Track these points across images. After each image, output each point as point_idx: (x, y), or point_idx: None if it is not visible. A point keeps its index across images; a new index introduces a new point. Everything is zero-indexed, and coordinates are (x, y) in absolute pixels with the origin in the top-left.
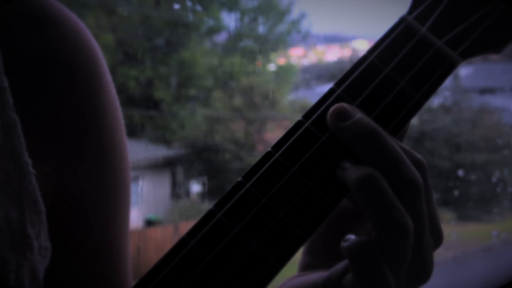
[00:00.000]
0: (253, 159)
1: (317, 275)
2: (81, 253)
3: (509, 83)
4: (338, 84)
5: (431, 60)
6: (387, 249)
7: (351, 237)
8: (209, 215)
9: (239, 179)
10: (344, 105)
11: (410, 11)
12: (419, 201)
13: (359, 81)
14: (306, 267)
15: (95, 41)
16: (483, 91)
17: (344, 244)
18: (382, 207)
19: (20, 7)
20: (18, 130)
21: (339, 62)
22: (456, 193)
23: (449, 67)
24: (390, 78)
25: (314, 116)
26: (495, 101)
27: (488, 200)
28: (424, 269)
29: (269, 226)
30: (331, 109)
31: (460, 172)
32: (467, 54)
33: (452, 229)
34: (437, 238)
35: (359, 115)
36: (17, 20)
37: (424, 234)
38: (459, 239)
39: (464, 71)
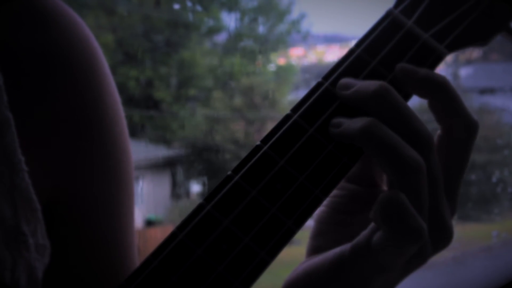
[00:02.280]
0: None
1: (340, 248)
2: (86, 248)
3: (509, 83)
4: (325, 78)
5: (417, 53)
6: (406, 187)
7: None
8: (198, 208)
9: (229, 172)
10: (347, 78)
11: (397, 5)
12: (431, 155)
13: (347, 74)
14: (315, 250)
15: (93, 36)
16: (483, 91)
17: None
18: (390, 147)
19: (17, 2)
20: (12, 128)
21: None
22: None
23: (436, 60)
24: (377, 70)
25: (302, 109)
26: (495, 101)
27: (488, 200)
28: (445, 229)
29: (259, 219)
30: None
31: None
32: (454, 47)
33: None
34: (452, 203)
35: (361, 82)
36: (13, 14)
37: (438, 185)
38: (459, 239)
39: (464, 71)
